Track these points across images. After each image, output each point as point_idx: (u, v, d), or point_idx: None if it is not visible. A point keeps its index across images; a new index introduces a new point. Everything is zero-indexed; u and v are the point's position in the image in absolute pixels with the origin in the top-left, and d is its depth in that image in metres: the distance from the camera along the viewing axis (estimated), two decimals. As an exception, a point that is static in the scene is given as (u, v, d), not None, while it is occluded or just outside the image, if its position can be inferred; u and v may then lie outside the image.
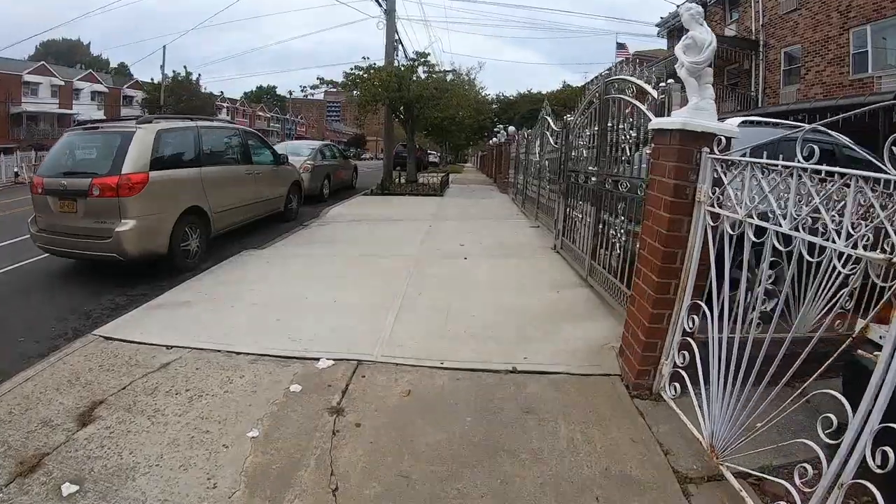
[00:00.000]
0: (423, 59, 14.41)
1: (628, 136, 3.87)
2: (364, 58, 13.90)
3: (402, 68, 13.84)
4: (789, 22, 16.45)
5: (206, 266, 5.91)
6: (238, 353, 3.51)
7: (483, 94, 22.68)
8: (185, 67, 45.08)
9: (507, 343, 3.59)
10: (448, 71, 16.72)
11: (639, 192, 3.62)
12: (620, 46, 36.11)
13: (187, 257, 6.00)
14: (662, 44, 27.94)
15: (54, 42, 67.09)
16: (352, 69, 13.81)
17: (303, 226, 8.74)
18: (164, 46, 38.40)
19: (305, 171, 11.69)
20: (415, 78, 13.92)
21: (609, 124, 4.37)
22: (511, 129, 15.03)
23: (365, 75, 13.58)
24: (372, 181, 16.10)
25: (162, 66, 41.91)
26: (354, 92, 13.84)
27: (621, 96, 4.01)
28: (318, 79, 13.82)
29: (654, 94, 3.42)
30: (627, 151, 3.90)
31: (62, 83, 45.50)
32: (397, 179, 15.42)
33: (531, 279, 5.16)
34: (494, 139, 23.98)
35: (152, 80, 43.83)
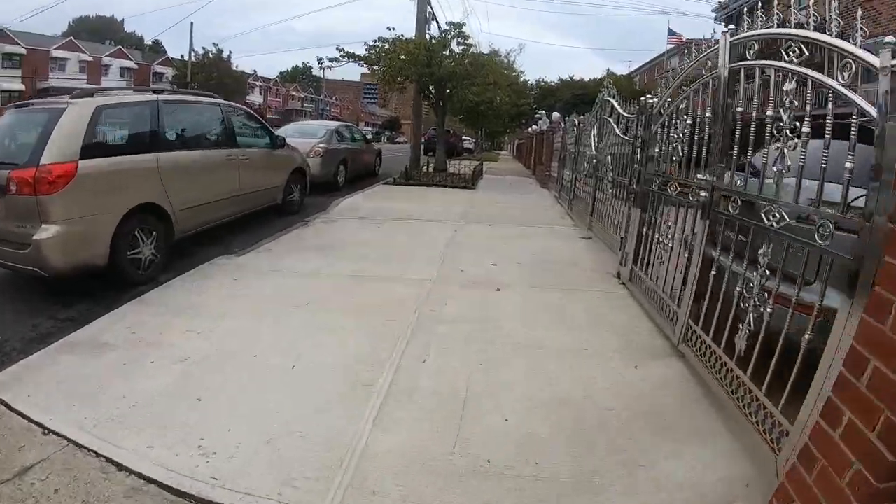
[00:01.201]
0: (457, 30, 12.54)
1: (791, 130, 2.22)
2: (389, 28, 12.21)
3: (434, 41, 12.13)
4: (870, 11, 14.09)
5: (166, 278, 4.63)
6: (119, 468, 2.16)
7: (523, 78, 20.48)
8: (214, 45, 44.46)
9: (560, 495, 2.03)
10: (486, 55, 14.88)
11: (821, 235, 1.98)
12: (672, 34, 33.67)
13: (139, 268, 4.68)
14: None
15: (87, 19, 67.66)
16: (375, 41, 12.18)
17: (304, 222, 7.33)
18: (192, 23, 37.61)
19: (316, 155, 10.27)
20: (447, 53, 12.15)
21: (738, 109, 2.72)
22: (556, 115, 13.19)
23: (389, 47, 11.92)
24: (398, 167, 14.56)
25: (190, 43, 41.41)
26: (376, 67, 12.22)
27: (778, 64, 2.33)
28: (337, 49, 12.19)
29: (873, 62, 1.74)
30: (786, 157, 2.24)
31: (90, 59, 45.57)
32: (425, 167, 13.87)
33: (594, 336, 3.53)
34: (534, 126, 22.10)
35: (182, 56, 43.47)
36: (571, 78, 37.39)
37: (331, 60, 12.19)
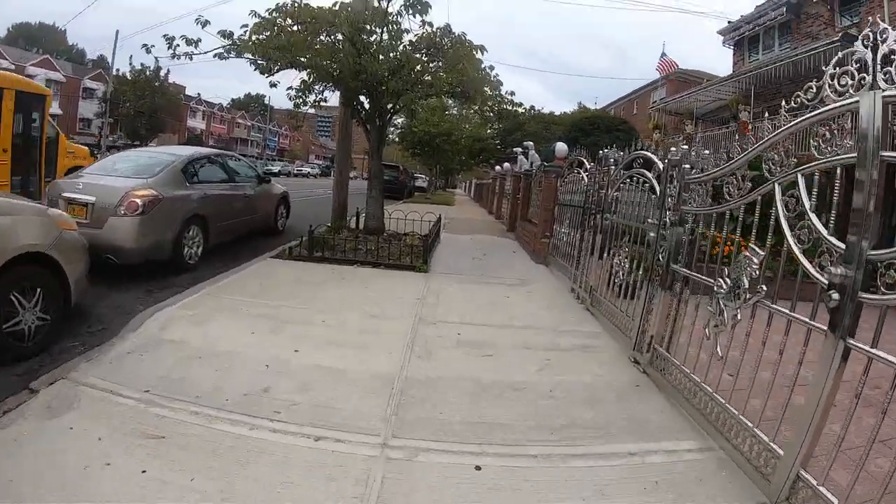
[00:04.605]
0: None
1: None
2: (294, -1, 7.04)
3: (369, 14, 7.07)
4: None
5: None
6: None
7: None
8: (156, 59, 39.67)
9: None
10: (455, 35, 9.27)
11: None
12: (664, 56, 30.83)
13: None
14: (718, 60, 22.47)
15: (27, 26, 60.98)
16: (269, 12, 7.04)
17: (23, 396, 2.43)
18: (117, 30, 32.11)
19: (132, 211, 5.31)
20: (387, 33, 7.04)
21: None
22: (560, 146, 8.59)
23: (280, 19, 6.90)
24: (323, 217, 9.46)
25: (113, 54, 36.31)
26: (253, 56, 7.10)
27: None
28: (197, 21, 7.04)
29: None
30: None
31: (11, 66, 39.50)
32: (353, 222, 8.98)
33: None
34: (506, 165, 17.67)
35: (118, 70, 38.89)
36: (540, 110, 33.86)
37: (189, 43, 7.14)
